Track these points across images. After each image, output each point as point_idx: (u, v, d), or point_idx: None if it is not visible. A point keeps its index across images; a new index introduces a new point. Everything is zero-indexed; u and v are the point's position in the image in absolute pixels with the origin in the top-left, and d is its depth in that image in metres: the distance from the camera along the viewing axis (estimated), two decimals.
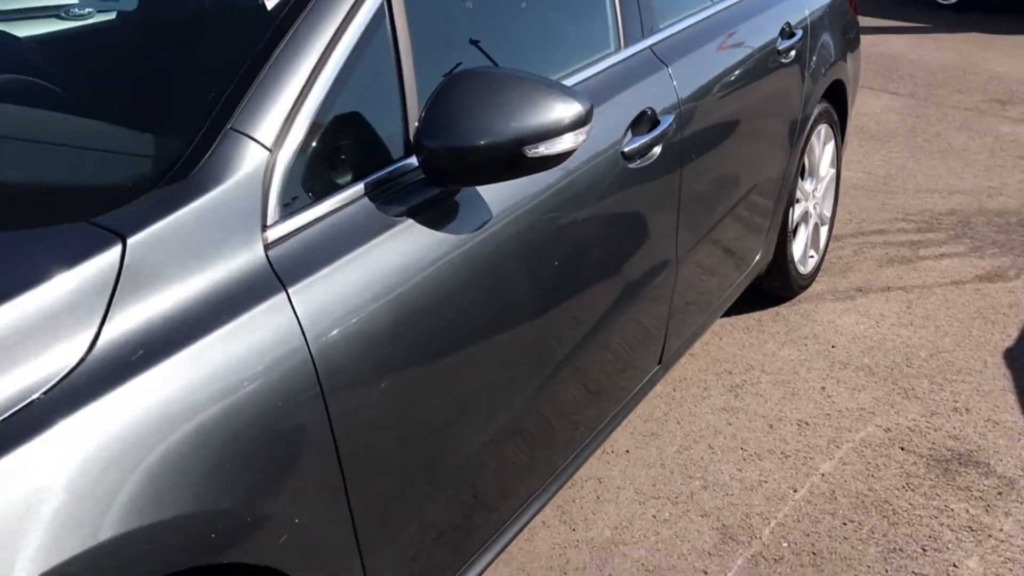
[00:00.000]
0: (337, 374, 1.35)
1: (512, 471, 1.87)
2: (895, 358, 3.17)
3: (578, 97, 1.55)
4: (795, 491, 2.52)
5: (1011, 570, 2.23)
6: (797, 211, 3.36)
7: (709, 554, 2.31)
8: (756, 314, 3.46)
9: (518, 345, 1.76)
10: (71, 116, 1.58)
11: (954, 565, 2.25)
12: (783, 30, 2.94)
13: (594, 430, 2.22)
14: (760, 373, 3.09)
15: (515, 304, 1.73)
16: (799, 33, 3.03)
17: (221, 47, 1.55)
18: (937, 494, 2.50)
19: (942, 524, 2.39)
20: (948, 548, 2.31)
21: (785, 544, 2.33)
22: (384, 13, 1.58)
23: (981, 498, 2.48)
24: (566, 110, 1.52)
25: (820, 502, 2.48)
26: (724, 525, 2.40)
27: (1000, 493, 2.50)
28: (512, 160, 1.50)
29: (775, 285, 3.44)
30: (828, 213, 3.74)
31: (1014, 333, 3.31)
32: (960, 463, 2.62)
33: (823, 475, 2.59)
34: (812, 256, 3.63)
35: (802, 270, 3.53)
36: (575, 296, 1.93)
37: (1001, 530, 2.36)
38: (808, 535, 2.36)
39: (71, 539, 1.04)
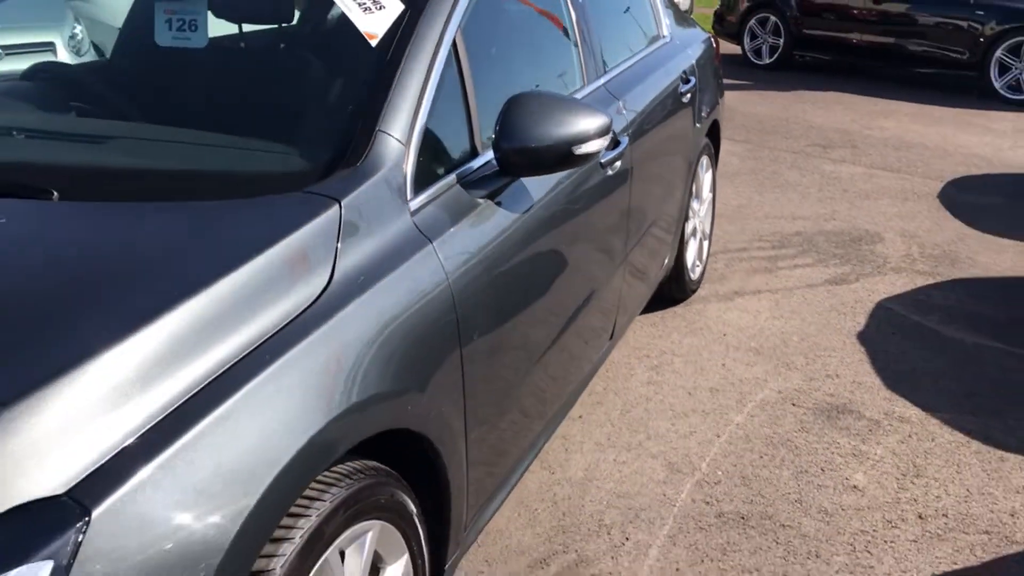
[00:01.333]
0: (463, 300, 1.88)
1: (545, 390, 2.42)
2: (774, 341, 3.90)
3: (602, 112, 2.15)
4: (719, 437, 3.17)
5: (886, 478, 2.94)
6: (689, 226, 4.07)
7: (664, 482, 2.91)
8: (659, 313, 4.13)
9: (548, 282, 2.33)
10: (257, 128, 2.06)
11: (847, 478, 2.94)
12: (682, 77, 3.65)
13: (572, 386, 2.78)
14: (672, 356, 3.75)
15: (548, 257, 2.31)
16: (692, 80, 3.76)
17: (356, 74, 2.06)
18: (825, 433, 3.20)
19: (833, 453, 3.08)
20: (840, 468, 3.00)
21: (720, 472, 2.97)
22: (452, 56, 2.13)
23: (858, 434, 3.20)
24: (596, 121, 2.12)
25: (739, 443, 3.13)
26: (670, 462, 3.02)
27: (871, 430, 3.22)
28: (563, 157, 2.07)
29: (673, 288, 4.12)
30: (708, 230, 4.49)
31: (862, 321, 4.11)
32: (838, 412, 3.34)
33: (737, 425, 3.25)
34: (698, 265, 4.35)
35: (693, 276, 4.24)
36: (577, 256, 2.53)
37: (876, 454, 3.08)
38: (736, 465, 3.00)
39: (330, 406, 1.51)
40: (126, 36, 2.77)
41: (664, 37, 3.81)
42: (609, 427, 3.22)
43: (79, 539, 1.13)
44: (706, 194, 4.33)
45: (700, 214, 4.25)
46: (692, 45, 4.06)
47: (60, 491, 1.15)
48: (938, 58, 9.64)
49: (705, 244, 4.45)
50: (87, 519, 1.14)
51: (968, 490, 2.90)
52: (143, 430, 1.25)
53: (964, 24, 9.37)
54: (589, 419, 3.26)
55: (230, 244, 1.54)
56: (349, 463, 1.61)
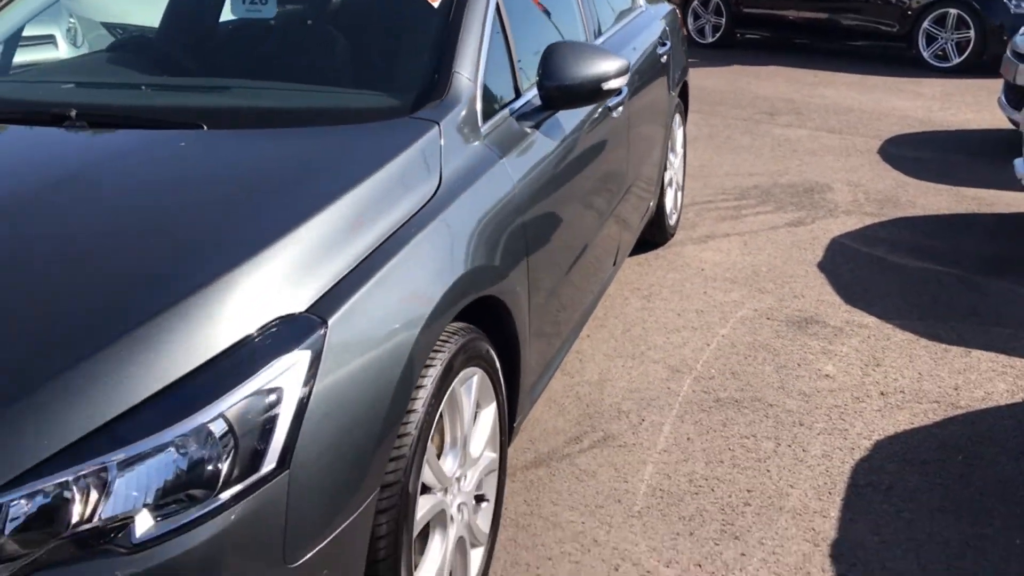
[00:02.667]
0: (524, 204, 2.37)
1: (573, 292, 2.92)
2: (746, 273, 4.45)
3: (621, 56, 2.66)
4: (708, 345, 3.70)
5: (852, 368, 3.50)
6: (667, 175, 4.60)
7: (667, 379, 3.43)
8: (642, 255, 4.66)
9: (577, 198, 2.83)
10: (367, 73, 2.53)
11: (819, 369, 3.50)
12: (659, 40, 4.18)
13: (589, 298, 3.28)
14: (660, 287, 4.28)
15: (578, 178, 2.81)
16: (667, 43, 4.28)
17: (433, 29, 2.51)
18: (798, 338, 3.75)
19: (806, 352, 3.64)
20: (812, 362, 3.55)
21: (713, 370, 3.50)
22: (496, 17, 2.61)
23: (825, 338, 3.76)
24: (617, 63, 2.62)
25: (726, 348, 3.67)
26: (670, 366, 3.54)
27: (835, 334, 3.79)
28: (593, 92, 2.57)
29: (654, 232, 4.65)
30: (681, 181, 5.02)
31: (820, 254, 4.68)
32: (807, 323, 3.90)
33: (723, 336, 3.78)
34: (674, 212, 4.88)
35: (671, 222, 4.78)
36: (596, 181, 3.04)
37: (842, 351, 3.64)
38: (726, 364, 3.54)
39: (454, 270, 2.00)
40: (184, 8, 3.20)
41: (640, 6, 4.33)
42: (614, 342, 3.73)
43: (323, 338, 1.60)
44: (679, 148, 4.86)
45: (675, 165, 4.79)
46: (662, 14, 4.58)
47: (303, 308, 1.63)
48: (870, 31, 10.33)
49: (679, 194, 4.99)
50: (326, 326, 1.61)
51: (920, 373, 3.47)
52: (352, 268, 1.73)
53: None
54: (596, 337, 3.78)
55: (374, 149, 2.02)
56: (461, 323, 2.09)
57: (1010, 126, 6.89)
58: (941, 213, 5.31)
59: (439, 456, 2.05)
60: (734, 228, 5.08)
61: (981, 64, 9.52)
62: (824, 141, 6.99)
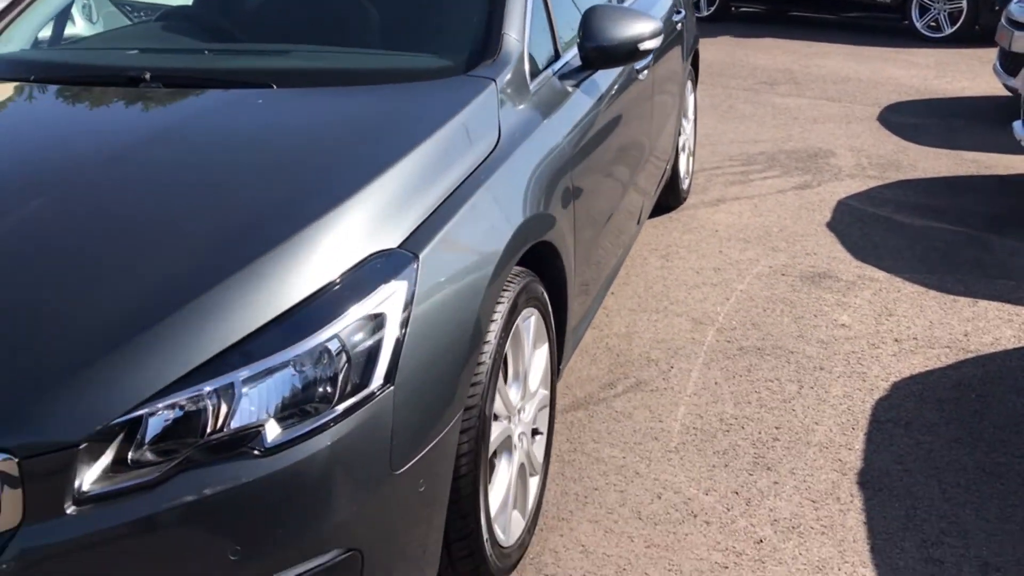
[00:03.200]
0: (569, 157, 2.53)
1: (607, 247, 3.08)
2: (759, 233, 4.62)
3: (654, 18, 2.81)
4: (728, 299, 3.88)
5: (866, 318, 3.68)
6: (680, 140, 4.75)
7: (691, 331, 3.61)
8: (657, 219, 4.82)
9: (615, 154, 2.99)
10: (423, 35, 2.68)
11: (835, 319, 3.68)
12: (674, 8, 4.32)
13: (618, 253, 3.44)
14: (677, 248, 4.45)
15: (615, 133, 2.97)
16: (682, 11, 4.43)
17: None
18: (812, 292, 3.93)
19: (822, 304, 3.81)
20: (828, 313, 3.73)
21: (734, 322, 3.67)
22: None
23: (839, 291, 3.94)
24: (652, 24, 2.77)
25: (745, 302, 3.85)
26: (693, 319, 3.71)
27: (848, 288, 3.96)
28: (631, 52, 2.72)
29: (669, 196, 4.81)
30: (693, 146, 5.19)
31: (828, 214, 4.86)
32: (820, 278, 4.07)
33: (741, 291, 3.96)
34: (687, 177, 5.04)
35: (684, 186, 4.94)
36: (627, 139, 3.19)
37: (855, 303, 3.82)
38: (746, 316, 3.72)
39: (518, 216, 2.16)
40: None
41: None
42: (637, 299, 3.90)
43: (416, 271, 1.76)
44: (691, 114, 5.02)
45: (687, 131, 4.94)
46: None
47: (396, 244, 1.79)
48: (863, 2, 10.47)
49: (691, 159, 5.15)
50: (418, 260, 1.78)
51: (930, 321, 3.65)
52: (433, 210, 1.89)
53: None
54: (620, 294, 3.94)
55: (440, 104, 2.17)
56: (521, 267, 2.25)
57: (1006, 93, 7.07)
58: (943, 175, 5.48)
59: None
60: (743, 192, 5.25)
61: (973, 34, 9.69)
62: (824, 109, 7.15)
